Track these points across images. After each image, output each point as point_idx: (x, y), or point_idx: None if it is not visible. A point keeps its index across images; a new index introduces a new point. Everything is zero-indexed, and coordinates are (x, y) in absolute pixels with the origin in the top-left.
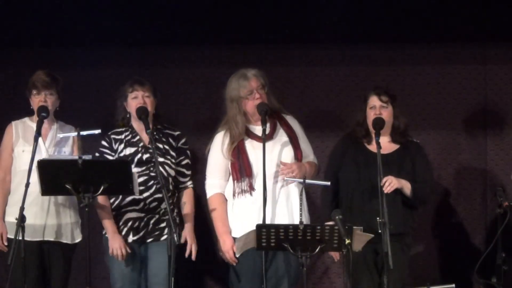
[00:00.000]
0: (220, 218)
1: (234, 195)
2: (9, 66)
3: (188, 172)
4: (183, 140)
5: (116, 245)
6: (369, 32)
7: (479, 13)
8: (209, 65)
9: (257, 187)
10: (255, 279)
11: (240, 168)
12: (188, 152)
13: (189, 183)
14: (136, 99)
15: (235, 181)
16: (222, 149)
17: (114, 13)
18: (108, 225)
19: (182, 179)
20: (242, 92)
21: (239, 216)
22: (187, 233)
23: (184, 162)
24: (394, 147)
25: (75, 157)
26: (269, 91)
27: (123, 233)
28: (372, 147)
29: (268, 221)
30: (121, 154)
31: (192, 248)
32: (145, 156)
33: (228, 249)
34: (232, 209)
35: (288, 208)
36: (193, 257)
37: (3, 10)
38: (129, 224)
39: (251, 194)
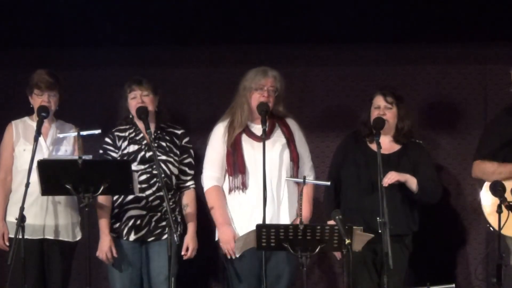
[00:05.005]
0: (219, 210)
1: (229, 190)
2: (9, 66)
3: (190, 172)
4: (186, 139)
5: (104, 247)
6: (369, 32)
7: (479, 13)
8: (209, 65)
9: (250, 185)
10: (252, 280)
11: (234, 164)
12: (191, 151)
13: (190, 183)
14: (135, 99)
15: (229, 176)
16: (224, 139)
17: (114, 13)
18: (103, 225)
19: (183, 178)
20: (254, 84)
21: (233, 215)
22: (190, 239)
23: (186, 161)
24: (395, 147)
25: (75, 157)
26: (281, 97)
27: (125, 231)
28: (374, 147)
29: (267, 221)
30: (125, 152)
31: (190, 253)
32: (148, 154)
33: (228, 240)
34: (227, 206)
35: (289, 208)
36: (188, 256)
37: (2, 10)
38: (131, 222)
39: (243, 191)
